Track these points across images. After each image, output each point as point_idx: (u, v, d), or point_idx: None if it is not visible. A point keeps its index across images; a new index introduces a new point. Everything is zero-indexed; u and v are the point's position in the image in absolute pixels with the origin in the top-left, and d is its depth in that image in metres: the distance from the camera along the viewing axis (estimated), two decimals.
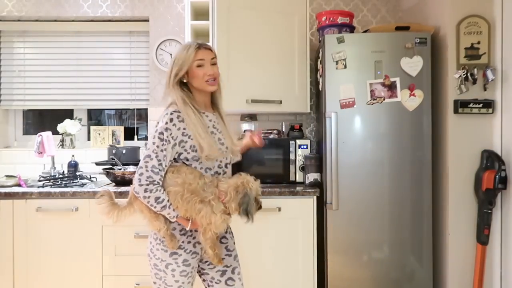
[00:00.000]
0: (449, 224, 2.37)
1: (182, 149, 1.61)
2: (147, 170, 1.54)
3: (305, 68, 2.72)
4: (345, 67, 2.43)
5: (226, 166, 1.76)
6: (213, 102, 1.79)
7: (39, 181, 2.67)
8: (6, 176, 2.76)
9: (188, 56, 1.64)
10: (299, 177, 2.70)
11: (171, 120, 1.59)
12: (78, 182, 2.71)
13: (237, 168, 2.69)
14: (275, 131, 2.93)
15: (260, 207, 1.64)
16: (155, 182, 1.54)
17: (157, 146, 1.56)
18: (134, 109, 3.29)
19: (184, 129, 1.60)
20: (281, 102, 2.68)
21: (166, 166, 1.58)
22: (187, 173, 1.58)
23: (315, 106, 3.03)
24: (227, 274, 1.74)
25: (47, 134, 2.81)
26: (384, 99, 2.42)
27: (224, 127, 1.76)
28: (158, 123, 1.63)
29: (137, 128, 3.31)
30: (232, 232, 1.85)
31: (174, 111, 1.61)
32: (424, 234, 2.44)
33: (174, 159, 1.64)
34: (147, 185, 1.53)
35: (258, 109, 2.69)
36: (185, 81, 1.68)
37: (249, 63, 2.64)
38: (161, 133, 1.57)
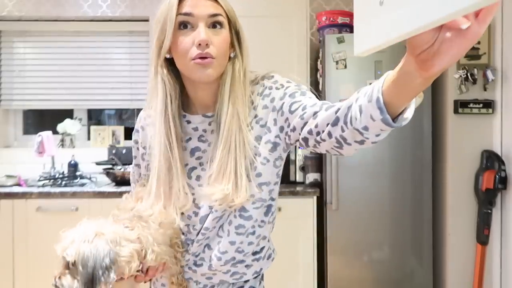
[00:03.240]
0: (449, 224, 2.37)
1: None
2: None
3: (305, 68, 2.72)
4: (345, 67, 2.43)
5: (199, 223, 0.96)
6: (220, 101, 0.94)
7: (39, 181, 2.67)
8: (6, 176, 2.76)
9: (169, 9, 0.86)
10: (299, 177, 2.70)
11: (139, 119, 1.11)
12: (78, 182, 2.71)
13: None
14: None
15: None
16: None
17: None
18: (134, 109, 3.29)
19: (151, 137, 0.98)
20: None
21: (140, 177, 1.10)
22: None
23: None
24: None
25: (47, 134, 2.81)
26: None
27: (219, 147, 0.91)
28: None
29: None
30: None
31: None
32: (424, 234, 2.44)
33: None
34: None
35: None
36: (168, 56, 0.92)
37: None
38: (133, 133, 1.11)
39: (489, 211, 2.27)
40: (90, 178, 2.80)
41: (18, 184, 2.66)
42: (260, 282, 1.07)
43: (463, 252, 2.36)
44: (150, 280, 1.01)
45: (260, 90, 0.95)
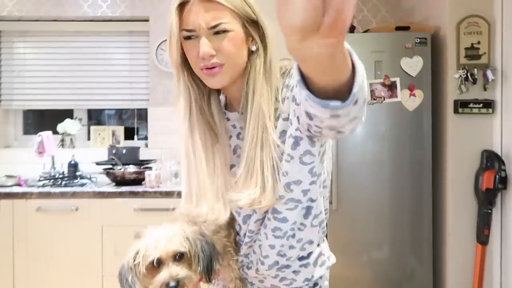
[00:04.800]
0: (449, 224, 2.37)
1: None
2: None
3: None
4: None
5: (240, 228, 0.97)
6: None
7: (39, 181, 2.67)
8: (6, 176, 2.76)
9: (171, 25, 0.90)
10: None
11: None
12: (78, 182, 2.71)
13: None
14: None
15: None
16: None
17: None
18: (134, 109, 3.29)
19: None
20: None
21: None
22: None
23: None
24: None
25: (47, 134, 2.81)
26: (384, 99, 2.42)
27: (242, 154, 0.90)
28: None
29: (137, 128, 3.31)
30: None
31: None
32: (424, 234, 2.44)
33: None
34: None
35: None
36: None
37: None
38: None
39: (489, 211, 2.27)
40: (90, 178, 2.80)
41: (18, 184, 2.66)
42: None
43: (463, 252, 2.36)
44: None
45: (287, 81, 0.87)
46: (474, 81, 2.32)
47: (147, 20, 3.13)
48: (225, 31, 0.84)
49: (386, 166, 2.44)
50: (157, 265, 0.82)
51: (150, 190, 2.46)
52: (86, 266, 2.46)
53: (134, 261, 0.84)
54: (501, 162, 2.23)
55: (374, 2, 3.14)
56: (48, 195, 2.45)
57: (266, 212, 0.90)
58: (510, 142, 2.24)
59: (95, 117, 3.44)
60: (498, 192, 2.28)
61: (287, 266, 0.93)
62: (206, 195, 0.89)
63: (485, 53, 2.32)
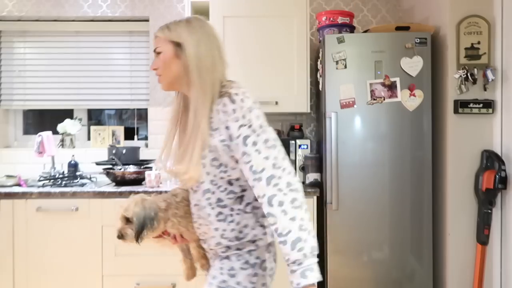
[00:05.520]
0: (449, 224, 2.37)
1: None
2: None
3: (305, 68, 2.72)
4: (345, 67, 2.43)
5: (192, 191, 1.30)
6: None
7: (39, 181, 2.67)
8: (6, 176, 2.76)
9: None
10: (299, 177, 2.70)
11: None
12: (78, 182, 2.71)
13: None
14: (275, 131, 2.93)
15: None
16: None
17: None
18: (134, 109, 3.29)
19: None
20: (276, 103, 2.68)
21: None
22: None
23: (315, 106, 3.03)
24: None
25: (47, 134, 2.81)
26: (384, 99, 2.42)
27: (182, 140, 1.27)
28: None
29: (137, 128, 3.31)
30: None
31: None
32: (424, 234, 2.44)
33: None
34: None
35: None
36: None
37: (244, 66, 2.68)
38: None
39: (489, 211, 2.27)
40: (90, 178, 2.80)
41: (18, 184, 2.66)
42: (240, 264, 1.23)
43: (463, 252, 2.36)
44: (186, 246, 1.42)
45: (220, 102, 1.17)
46: (474, 81, 2.32)
47: (147, 20, 3.13)
48: (158, 53, 1.24)
49: (386, 166, 2.44)
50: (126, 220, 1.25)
51: (150, 190, 2.46)
52: (86, 266, 2.46)
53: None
54: (501, 162, 2.23)
55: (374, 2, 3.14)
56: (48, 195, 2.45)
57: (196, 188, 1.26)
58: (510, 142, 2.24)
59: (95, 117, 3.44)
60: (498, 192, 2.28)
61: (207, 225, 1.26)
62: (168, 161, 1.28)
63: (485, 53, 2.32)
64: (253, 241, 1.24)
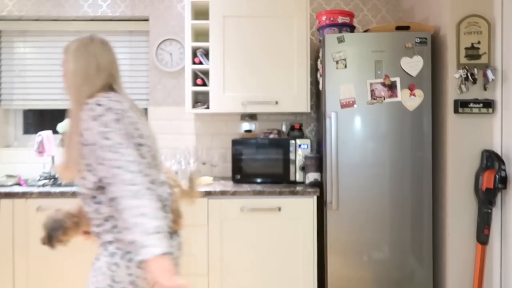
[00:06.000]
0: (449, 224, 2.37)
1: None
2: None
3: (305, 68, 2.72)
4: (345, 66, 2.43)
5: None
6: None
7: (39, 180, 2.67)
8: (6, 175, 2.76)
9: None
10: (299, 177, 2.70)
11: None
12: None
13: (238, 167, 2.70)
14: (275, 131, 2.93)
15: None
16: None
17: None
18: None
19: None
20: (276, 102, 2.69)
21: None
22: None
23: (315, 106, 3.03)
24: None
25: (47, 134, 2.82)
26: (384, 99, 2.42)
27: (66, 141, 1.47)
28: None
29: None
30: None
31: None
32: (424, 234, 2.44)
33: None
34: None
35: (256, 110, 2.72)
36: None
37: (244, 66, 2.69)
38: None
39: (489, 210, 2.27)
40: None
41: (18, 184, 2.66)
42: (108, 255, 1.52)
43: (463, 252, 2.36)
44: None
45: (88, 107, 1.37)
46: (474, 81, 2.32)
47: (147, 20, 3.13)
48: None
49: (386, 166, 2.44)
50: None
51: None
52: (86, 265, 2.45)
53: None
54: (501, 162, 2.23)
55: (374, 2, 3.14)
56: (48, 194, 2.45)
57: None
58: (510, 142, 2.24)
59: None
60: (498, 192, 2.28)
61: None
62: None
63: (485, 53, 2.32)
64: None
